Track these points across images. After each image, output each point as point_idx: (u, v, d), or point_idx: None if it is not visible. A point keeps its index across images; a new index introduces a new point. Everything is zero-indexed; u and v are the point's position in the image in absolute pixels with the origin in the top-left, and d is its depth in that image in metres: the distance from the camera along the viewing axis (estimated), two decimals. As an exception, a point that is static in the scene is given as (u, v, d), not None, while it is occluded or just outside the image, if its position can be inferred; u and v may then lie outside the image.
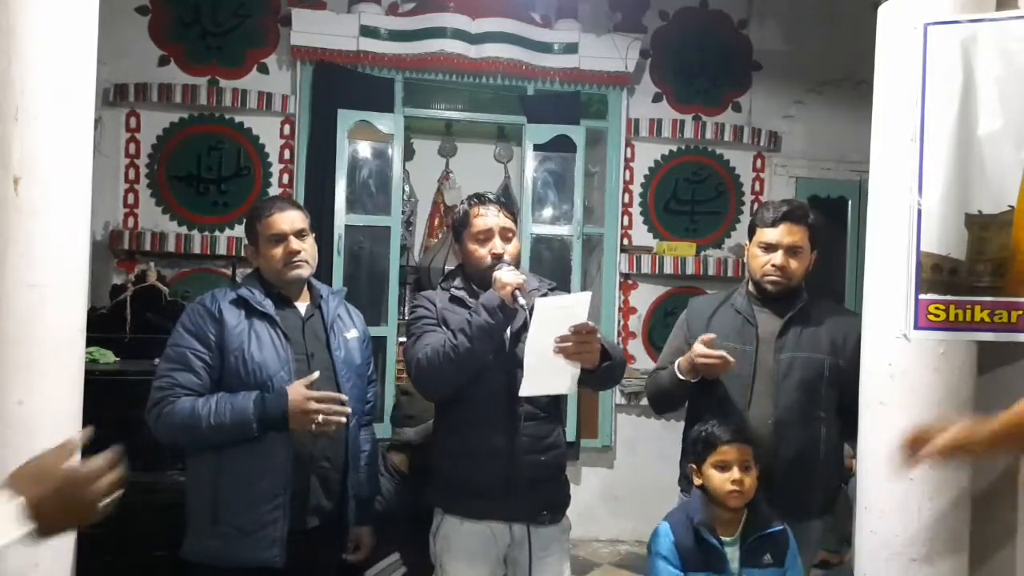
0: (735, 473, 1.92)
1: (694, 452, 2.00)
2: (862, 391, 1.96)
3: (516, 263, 2.05)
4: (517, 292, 1.88)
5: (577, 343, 1.85)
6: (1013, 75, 1.73)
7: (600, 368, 1.92)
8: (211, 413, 1.87)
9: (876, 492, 1.89)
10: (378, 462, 2.28)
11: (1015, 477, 1.87)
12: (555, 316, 1.87)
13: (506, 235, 2.06)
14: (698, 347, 2.09)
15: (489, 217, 2.05)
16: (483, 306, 1.90)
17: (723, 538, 1.95)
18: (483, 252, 2.04)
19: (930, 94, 1.78)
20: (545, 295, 2.10)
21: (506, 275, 1.92)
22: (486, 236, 2.04)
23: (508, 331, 1.99)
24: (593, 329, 1.87)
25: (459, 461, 2.01)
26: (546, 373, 1.89)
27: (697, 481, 2.00)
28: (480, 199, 2.10)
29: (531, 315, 1.92)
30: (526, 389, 1.90)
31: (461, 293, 2.06)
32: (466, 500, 2.01)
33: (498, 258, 2.01)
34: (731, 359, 2.06)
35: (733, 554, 1.94)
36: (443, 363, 1.90)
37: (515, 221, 2.12)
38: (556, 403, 2.10)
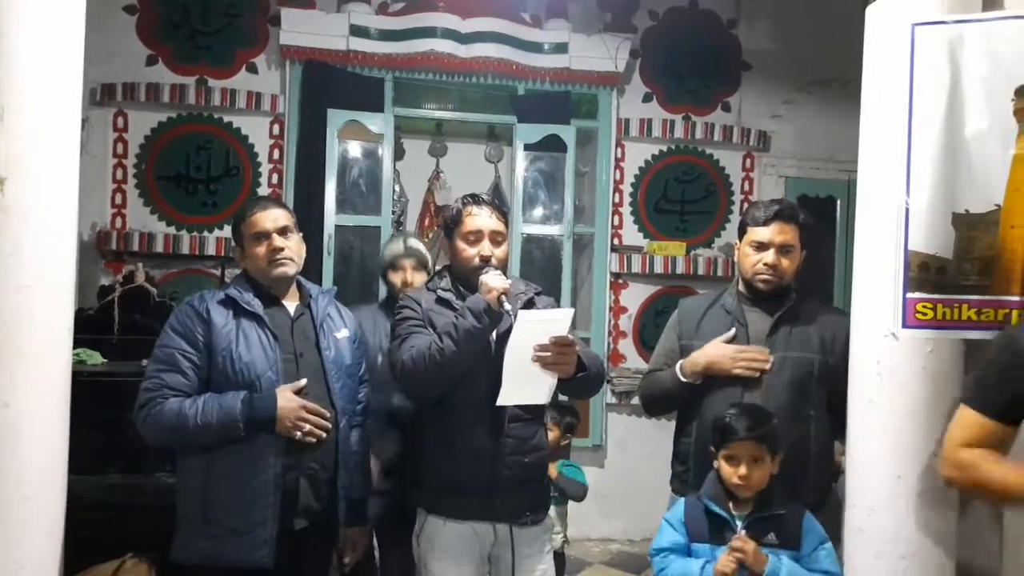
0: (742, 469, 1.95)
1: (712, 439, 2.03)
2: (850, 389, 1.97)
3: (504, 268, 2.06)
4: (503, 297, 1.90)
5: (555, 354, 1.89)
6: (999, 75, 1.74)
7: (575, 378, 1.96)
8: (198, 413, 1.86)
9: (864, 489, 1.90)
10: (369, 463, 2.27)
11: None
12: (536, 328, 1.89)
13: (496, 238, 2.06)
14: (728, 348, 2.12)
15: (481, 218, 2.06)
16: (469, 310, 1.91)
17: (736, 513, 1.97)
18: (471, 253, 2.04)
19: (918, 94, 1.79)
20: (531, 299, 2.11)
21: (492, 279, 1.93)
22: (476, 237, 2.05)
23: (494, 335, 1.99)
24: (572, 342, 1.92)
25: (444, 462, 2.02)
26: (523, 383, 1.93)
27: (715, 464, 2.02)
28: (475, 199, 2.10)
29: (519, 308, 1.95)
30: (504, 398, 1.93)
31: (448, 295, 2.07)
32: (451, 501, 2.01)
33: (486, 261, 2.02)
34: (768, 355, 2.11)
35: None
36: (429, 365, 1.91)
37: (507, 226, 2.13)
38: (539, 405, 2.10)
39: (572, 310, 2.01)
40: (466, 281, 2.05)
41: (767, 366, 2.11)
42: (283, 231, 2.02)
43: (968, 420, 1.57)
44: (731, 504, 1.98)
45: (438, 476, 2.03)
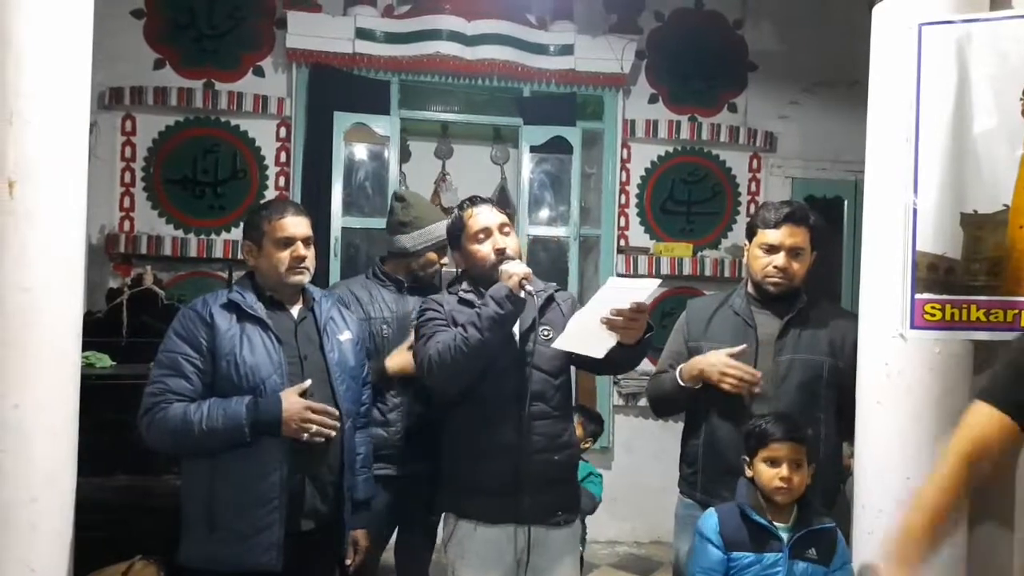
0: (784, 470, 1.91)
1: (747, 445, 2.00)
2: (859, 391, 1.96)
3: (520, 257, 2.08)
4: (524, 281, 1.92)
5: (628, 320, 1.88)
6: (1007, 74, 1.73)
7: (642, 341, 1.96)
8: (203, 419, 1.86)
9: (873, 491, 1.90)
10: (372, 464, 2.27)
11: (1011, 476, 1.87)
12: (620, 295, 1.89)
13: (503, 230, 2.08)
14: (722, 358, 2.10)
15: (484, 215, 2.08)
16: (492, 297, 1.92)
17: (779, 525, 1.93)
18: (486, 250, 2.06)
19: (925, 94, 1.79)
20: (551, 296, 2.13)
21: (513, 266, 1.97)
22: (486, 234, 2.07)
23: (518, 329, 2.00)
24: (647, 309, 1.91)
25: (471, 462, 2.01)
26: (585, 337, 1.93)
27: (748, 473, 1.99)
28: (471, 201, 2.13)
29: (539, 305, 2.01)
30: (560, 343, 1.96)
31: (469, 295, 2.08)
32: (478, 502, 1.99)
33: (502, 253, 2.04)
34: (759, 377, 2.07)
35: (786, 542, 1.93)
36: (456, 357, 1.91)
37: (510, 217, 2.14)
38: (567, 401, 2.12)
39: (658, 281, 1.98)
40: (485, 281, 2.06)
41: (756, 389, 2.07)
42: (307, 240, 2.04)
43: (981, 411, 1.51)
44: (770, 516, 1.93)
45: (465, 476, 2.02)
